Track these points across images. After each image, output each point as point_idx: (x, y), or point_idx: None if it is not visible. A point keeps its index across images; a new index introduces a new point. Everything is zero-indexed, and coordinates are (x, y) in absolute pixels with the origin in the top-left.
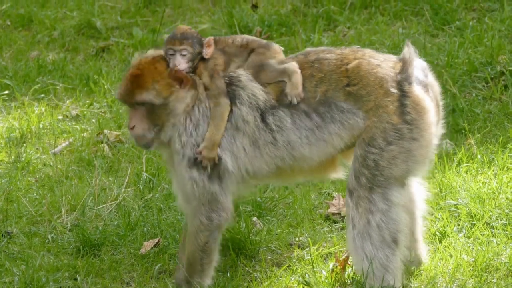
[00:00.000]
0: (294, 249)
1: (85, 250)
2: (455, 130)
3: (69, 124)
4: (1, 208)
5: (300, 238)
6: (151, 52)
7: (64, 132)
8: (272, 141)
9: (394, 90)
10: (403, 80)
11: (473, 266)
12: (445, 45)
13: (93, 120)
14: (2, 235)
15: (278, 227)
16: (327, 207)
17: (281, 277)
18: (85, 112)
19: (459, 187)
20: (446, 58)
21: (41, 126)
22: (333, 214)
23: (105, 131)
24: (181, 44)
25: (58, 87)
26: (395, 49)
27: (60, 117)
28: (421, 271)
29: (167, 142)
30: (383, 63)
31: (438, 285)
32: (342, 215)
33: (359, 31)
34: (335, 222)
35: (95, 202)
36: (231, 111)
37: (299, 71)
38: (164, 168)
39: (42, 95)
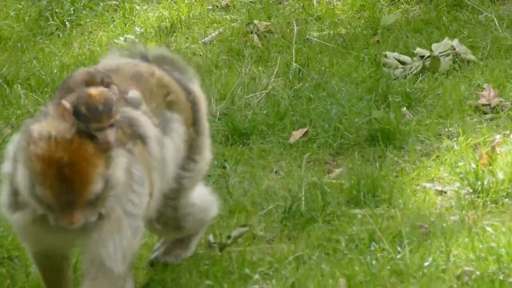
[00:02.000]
0: (443, 139)
1: (234, 139)
2: None
3: (219, 14)
4: None
5: (449, 129)
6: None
7: (214, 22)
8: None
9: None
10: None
11: None
12: None
13: (243, 10)
14: None
15: (427, 118)
16: (477, 98)
17: (429, 167)
18: (235, 2)
19: None
20: None
21: (191, 15)
22: (483, 105)
23: (255, 21)
24: (110, 118)
25: None
26: None
27: (210, 7)
28: None
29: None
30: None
31: None
32: (492, 106)
33: None
34: (485, 113)
35: (244, 92)
36: None
37: None
38: (314, 58)
39: None
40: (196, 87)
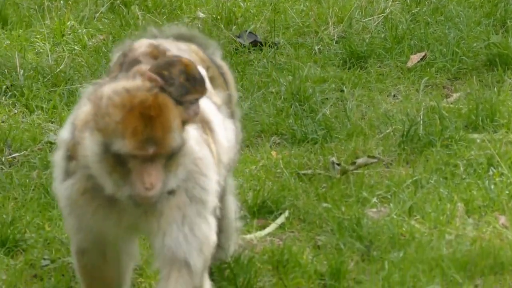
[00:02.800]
0: None
1: (351, 62)
2: None
3: None
4: (269, 19)
5: None
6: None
7: None
8: None
9: None
10: None
11: None
12: None
13: None
14: (269, 45)
15: None
16: None
17: None
18: None
19: None
20: None
21: None
22: None
23: None
24: (203, 91)
25: None
26: None
27: None
28: None
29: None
30: None
31: None
32: None
33: None
34: None
35: (362, 15)
36: None
37: None
38: None
39: None
40: (220, 60)
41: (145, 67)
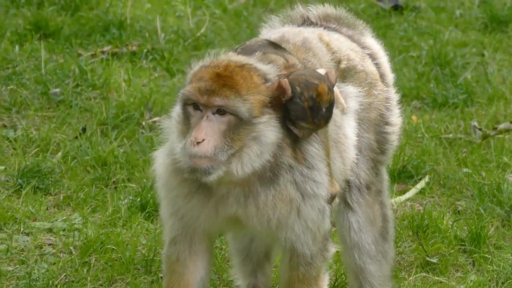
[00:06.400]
0: None
1: (492, 26)
2: None
3: None
4: None
5: None
6: (239, 58)
7: None
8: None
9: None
10: None
11: None
12: None
13: None
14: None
15: None
16: None
17: None
18: None
19: None
20: None
21: None
22: None
23: None
24: (319, 127)
25: None
26: None
27: None
28: None
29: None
30: None
31: None
32: None
33: None
34: None
35: None
36: None
37: None
38: None
39: None
40: (369, 39)
41: (286, 71)
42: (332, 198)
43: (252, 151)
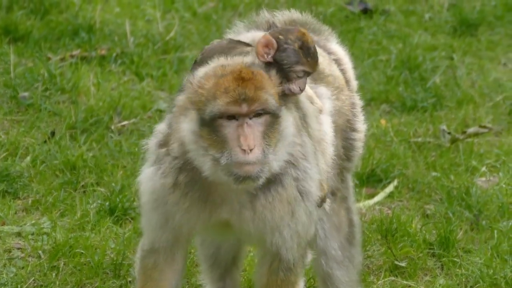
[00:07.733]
0: None
1: (461, 30)
2: None
3: None
4: None
5: None
6: (236, 59)
7: None
8: None
9: None
10: None
11: None
12: None
13: None
14: None
15: None
16: None
17: None
18: None
19: None
20: None
21: None
22: None
23: None
24: (314, 66)
25: None
26: None
27: None
28: None
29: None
30: None
31: None
32: None
33: None
34: None
35: None
36: None
37: None
38: None
39: None
40: (335, 45)
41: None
42: (321, 201)
43: (283, 144)
